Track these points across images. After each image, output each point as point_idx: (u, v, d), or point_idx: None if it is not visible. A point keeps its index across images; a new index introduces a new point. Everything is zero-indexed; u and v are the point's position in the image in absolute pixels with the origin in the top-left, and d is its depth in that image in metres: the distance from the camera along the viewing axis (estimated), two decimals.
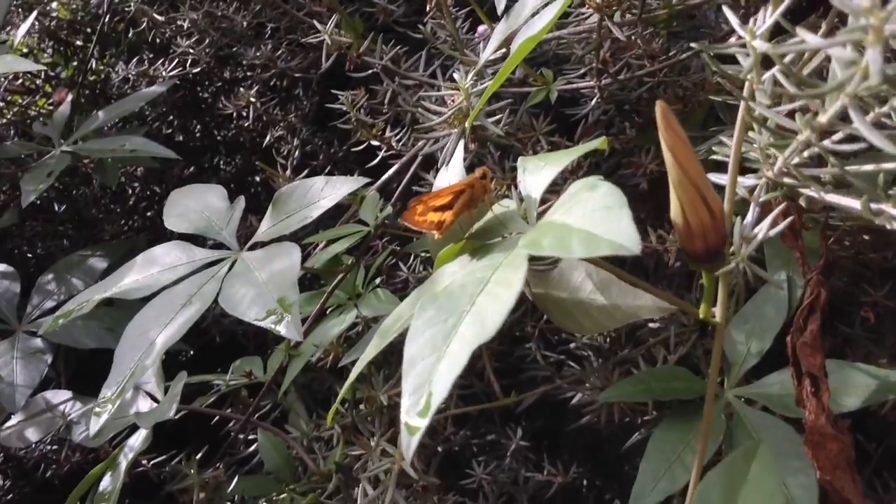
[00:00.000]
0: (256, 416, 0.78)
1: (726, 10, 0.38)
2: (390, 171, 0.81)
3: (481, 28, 0.79)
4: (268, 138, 1.03)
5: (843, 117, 0.35)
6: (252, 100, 0.99)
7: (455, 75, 0.57)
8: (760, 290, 0.64)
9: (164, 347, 0.53)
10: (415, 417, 0.35)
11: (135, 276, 0.60)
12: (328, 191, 0.59)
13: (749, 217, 0.42)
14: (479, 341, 0.35)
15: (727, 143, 0.45)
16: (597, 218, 0.35)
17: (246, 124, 1.04)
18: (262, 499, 0.70)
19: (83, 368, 0.95)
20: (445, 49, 0.77)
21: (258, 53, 0.97)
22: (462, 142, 0.60)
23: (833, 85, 0.29)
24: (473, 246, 0.44)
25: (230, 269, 0.58)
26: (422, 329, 0.38)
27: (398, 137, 0.84)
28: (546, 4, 0.54)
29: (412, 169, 0.76)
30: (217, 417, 0.76)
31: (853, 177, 0.37)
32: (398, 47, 0.79)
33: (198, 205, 0.64)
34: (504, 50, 0.65)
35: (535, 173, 0.44)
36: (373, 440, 0.64)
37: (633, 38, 0.68)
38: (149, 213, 1.23)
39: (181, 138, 1.21)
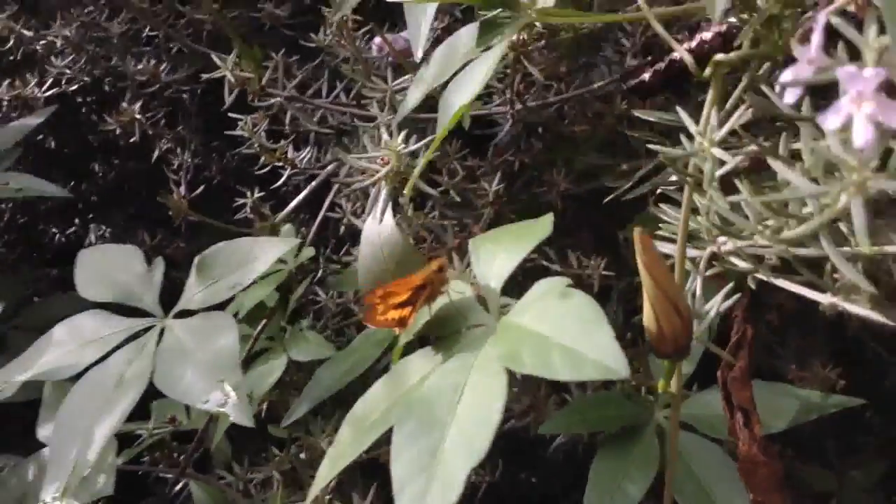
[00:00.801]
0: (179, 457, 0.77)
1: (679, 111, 0.38)
2: (299, 198, 0.80)
3: (377, 41, 0.78)
4: (155, 152, 0.99)
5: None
6: (137, 116, 0.94)
7: (383, 135, 0.56)
8: None
9: (105, 439, 0.51)
10: None
11: (55, 353, 0.57)
12: (258, 252, 0.57)
13: (697, 290, 0.44)
14: (471, 465, 0.35)
15: (668, 219, 0.46)
16: (576, 332, 0.35)
17: (132, 140, 0.98)
18: None
19: None
20: (349, 72, 0.75)
21: (139, 67, 0.92)
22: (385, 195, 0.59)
23: (813, 226, 0.30)
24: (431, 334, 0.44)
25: (160, 338, 0.55)
26: (404, 445, 0.38)
27: (301, 158, 0.82)
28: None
29: (328, 202, 0.75)
30: (141, 472, 0.73)
31: (799, 264, 0.39)
32: (303, 69, 0.77)
33: (112, 269, 0.60)
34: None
35: (490, 261, 0.44)
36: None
37: (542, 65, 0.69)
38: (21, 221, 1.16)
39: (53, 145, 1.14)
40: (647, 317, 0.38)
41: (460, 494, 0.35)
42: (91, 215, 1.15)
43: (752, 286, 0.41)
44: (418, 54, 0.58)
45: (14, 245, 1.13)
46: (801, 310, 0.73)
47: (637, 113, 0.57)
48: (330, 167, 0.80)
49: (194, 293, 0.58)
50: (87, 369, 0.55)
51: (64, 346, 0.57)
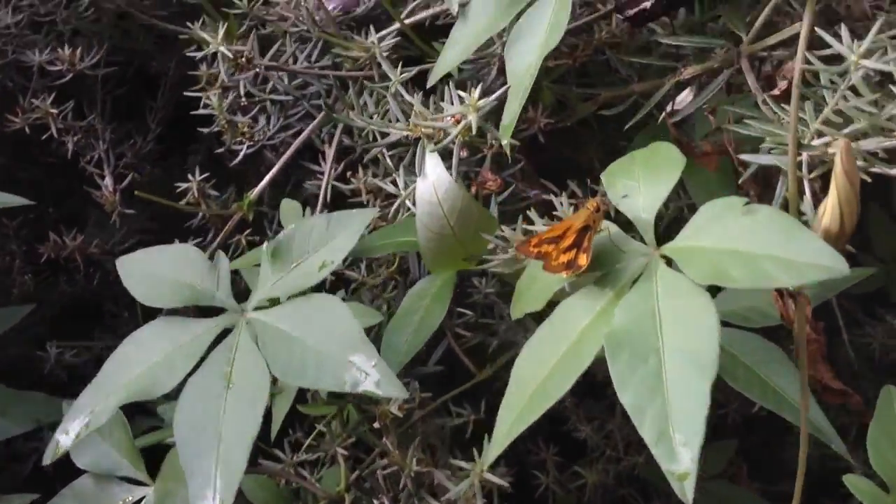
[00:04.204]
0: None
1: (820, 31, 0.42)
2: (274, 169, 0.78)
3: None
4: (70, 147, 0.92)
5: None
6: (52, 110, 0.87)
7: (459, 93, 0.56)
8: None
9: (245, 446, 0.49)
10: (679, 464, 0.38)
11: (138, 370, 0.53)
12: (336, 228, 0.56)
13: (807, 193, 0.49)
14: (709, 378, 0.39)
15: (752, 123, 0.51)
16: (782, 242, 0.39)
17: (43, 137, 0.91)
18: None
19: None
20: (315, 34, 0.74)
21: (54, 56, 0.85)
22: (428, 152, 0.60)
23: None
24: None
25: (254, 336, 0.53)
26: (625, 374, 0.41)
27: (260, 129, 0.81)
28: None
29: (328, 172, 0.74)
30: None
31: None
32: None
33: (169, 271, 0.57)
34: None
35: (634, 194, 0.47)
36: (393, 453, 0.64)
37: None
38: None
39: None
40: (831, 216, 0.42)
41: (709, 406, 0.38)
42: None
43: (868, 178, 0.46)
44: (454, 7, 0.59)
45: None
46: None
47: (662, 39, 0.61)
48: (304, 134, 0.79)
49: (272, 282, 0.56)
50: (185, 380, 0.53)
51: (144, 361, 0.54)
